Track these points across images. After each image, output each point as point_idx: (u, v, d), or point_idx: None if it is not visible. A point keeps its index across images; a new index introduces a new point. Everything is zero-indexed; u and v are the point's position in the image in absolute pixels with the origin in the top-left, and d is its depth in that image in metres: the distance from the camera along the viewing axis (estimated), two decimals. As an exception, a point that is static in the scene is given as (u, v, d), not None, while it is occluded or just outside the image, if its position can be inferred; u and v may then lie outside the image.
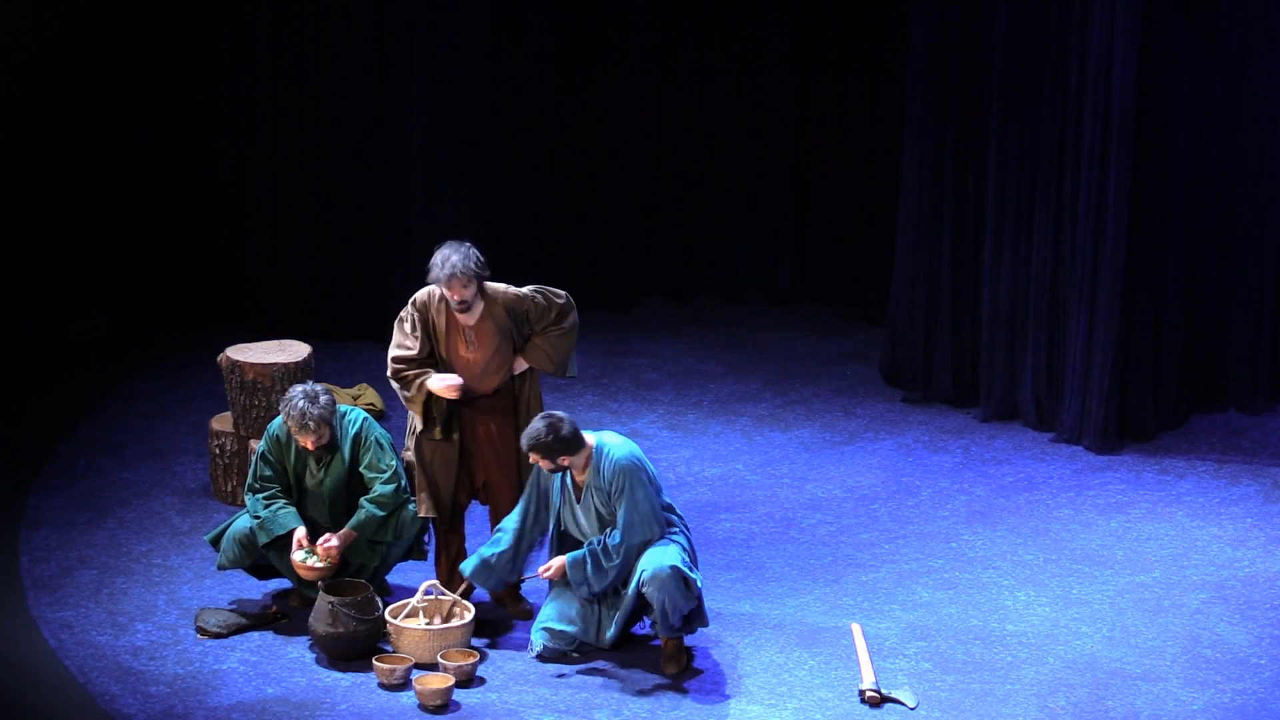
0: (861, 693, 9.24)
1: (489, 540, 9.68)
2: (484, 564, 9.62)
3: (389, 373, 9.93)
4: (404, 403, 9.98)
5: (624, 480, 9.40)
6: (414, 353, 9.87)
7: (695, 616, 9.49)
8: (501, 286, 9.91)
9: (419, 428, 9.96)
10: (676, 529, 9.57)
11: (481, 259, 9.78)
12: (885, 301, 13.50)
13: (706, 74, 14.70)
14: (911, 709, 9.16)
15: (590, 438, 9.50)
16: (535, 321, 9.89)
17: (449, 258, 9.69)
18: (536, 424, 9.39)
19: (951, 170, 12.70)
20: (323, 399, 9.73)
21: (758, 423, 12.67)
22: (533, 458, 9.44)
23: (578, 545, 9.58)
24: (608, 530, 9.46)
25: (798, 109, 14.66)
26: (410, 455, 10.01)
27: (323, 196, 13.96)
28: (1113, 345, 12.05)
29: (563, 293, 9.97)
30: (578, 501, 9.52)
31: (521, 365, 9.95)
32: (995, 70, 12.32)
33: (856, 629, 9.78)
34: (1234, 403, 12.75)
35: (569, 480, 9.54)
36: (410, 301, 9.96)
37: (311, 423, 9.69)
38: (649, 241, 14.87)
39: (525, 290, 9.91)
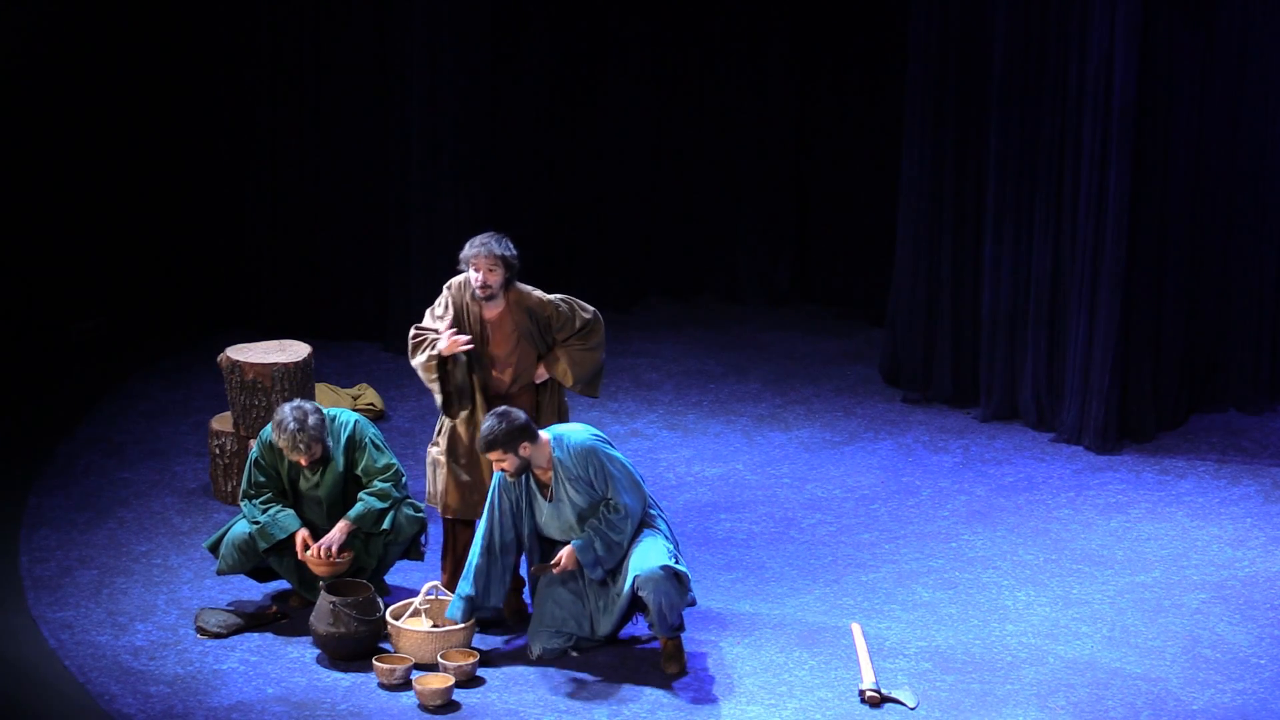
0: (861, 693, 9.24)
1: (461, 579, 9.59)
2: (470, 603, 9.55)
3: (409, 338, 9.80)
4: (421, 374, 9.79)
5: (596, 458, 9.36)
6: (439, 326, 9.80)
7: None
8: (529, 288, 9.87)
9: (441, 404, 9.82)
10: (655, 511, 9.56)
11: (515, 253, 9.74)
12: (885, 301, 13.50)
13: (707, 74, 14.70)
14: (911, 709, 9.16)
15: (544, 434, 9.46)
16: (557, 329, 9.85)
17: (476, 239, 9.66)
18: (487, 422, 9.27)
19: (951, 170, 12.70)
20: (312, 418, 9.69)
21: (758, 423, 12.67)
22: (494, 459, 9.31)
23: (556, 544, 9.57)
24: (604, 506, 9.41)
25: (798, 109, 14.67)
26: (435, 452, 9.94)
27: (323, 197, 13.96)
28: (1113, 345, 12.05)
29: (591, 308, 9.92)
30: (548, 501, 9.48)
31: (542, 375, 9.91)
32: (995, 70, 12.32)
33: (856, 629, 9.78)
34: (1234, 403, 12.75)
35: (533, 483, 9.49)
36: (445, 285, 9.91)
37: (303, 444, 9.67)
38: (649, 241, 14.87)
39: (553, 297, 9.87)
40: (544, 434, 9.41)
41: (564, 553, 9.46)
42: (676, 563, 9.36)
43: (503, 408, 9.36)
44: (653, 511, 9.58)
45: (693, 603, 9.55)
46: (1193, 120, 12.18)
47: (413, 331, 9.84)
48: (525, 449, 9.30)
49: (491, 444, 9.26)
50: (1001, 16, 12.22)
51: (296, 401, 9.80)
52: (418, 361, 9.77)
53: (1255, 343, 12.71)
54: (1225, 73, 12.24)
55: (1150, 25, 11.82)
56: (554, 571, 9.50)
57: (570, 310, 9.85)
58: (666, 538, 9.50)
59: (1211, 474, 11.86)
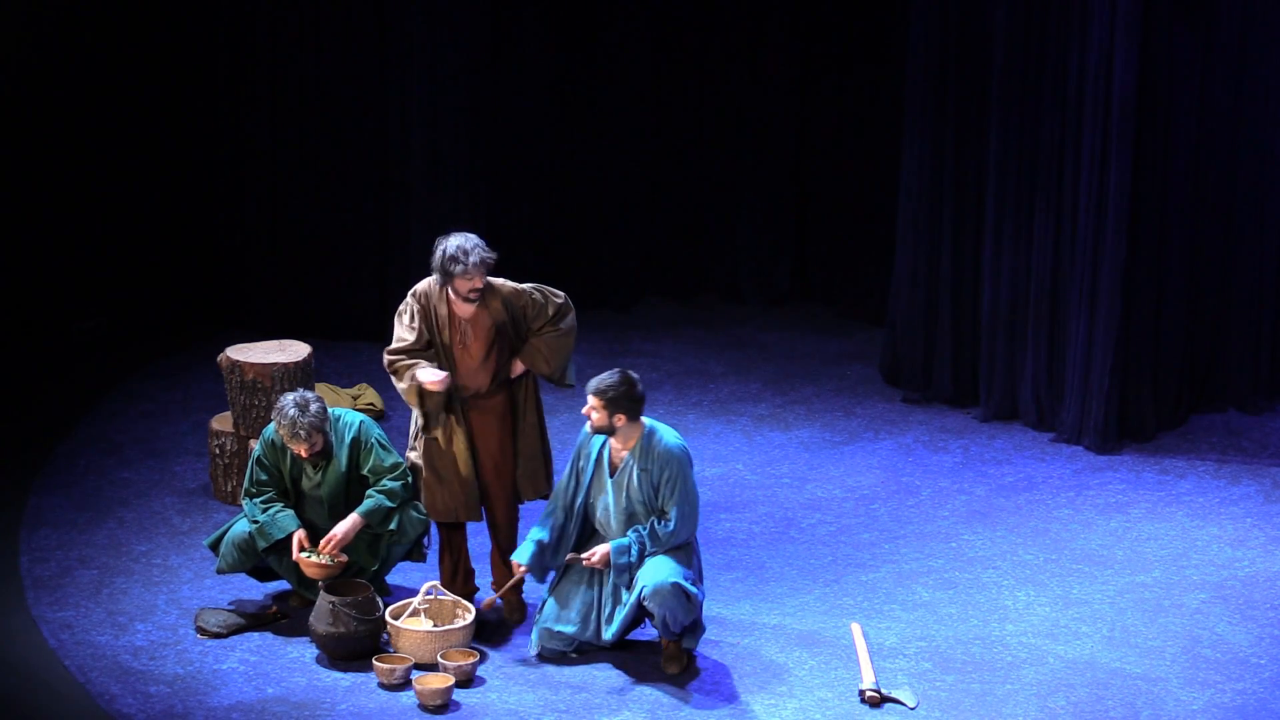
0: (861, 693, 9.24)
1: (538, 524, 9.60)
2: (540, 549, 9.55)
3: (385, 364, 9.85)
4: (402, 397, 9.89)
5: (677, 468, 9.38)
6: (410, 342, 9.79)
7: (695, 629, 9.47)
8: (500, 280, 9.88)
9: (422, 424, 9.92)
10: (695, 545, 9.57)
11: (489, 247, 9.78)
12: (885, 301, 13.50)
13: (706, 74, 14.70)
14: (911, 709, 9.16)
15: (645, 420, 9.48)
16: (532, 319, 9.85)
17: (465, 246, 9.62)
18: (612, 374, 9.34)
19: (951, 170, 12.70)
20: (314, 407, 9.70)
21: (758, 423, 12.67)
22: (592, 404, 9.33)
23: (592, 539, 9.57)
24: (656, 517, 9.39)
25: (798, 109, 14.67)
26: (414, 456, 9.98)
27: (322, 196, 13.96)
28: (1113, 345, 12.05)
29: (561, 293, 9.94)
30: (610, 476, 9.48)
31: (519, 368, 9.92)
32: (995, 70, 12.32)
33: (856, 629, 9.78)
34: (1234, 403, 12.75)
35: (606, 453, 9.51)
36: (410, 293, 9.89)
37: (303, 431, 9.66)
38: (649, 241, 14.87)
39: (524, 286, 9.89)
40: (645, 420, 9.45)
41: (600, 549, 9.44)
42: (691, 585, 9.35)
43: (634, 375, 9.39)
44: (694, 544, 9.58)
45: (698, 623, 9.52)
46: (1193, 120, 12.18)
47: (387, 359, 9.81)
48: (620, 419, 9.34)
49: (601, 393, 9.32)
50: (1001, 16, 12.22)
51: (300, 391, 9.81)
52: (400, 387, 9.79)
53: (1255, 343, 12.71)
54: (1225, 73, 12.24)
55: (1150, 25, 11.82)
56: (584, 565, 9.48)
57: (543, 297, 9.87)
58: (690, 566, 9.48)
59: (1211, 474, 11.86)
